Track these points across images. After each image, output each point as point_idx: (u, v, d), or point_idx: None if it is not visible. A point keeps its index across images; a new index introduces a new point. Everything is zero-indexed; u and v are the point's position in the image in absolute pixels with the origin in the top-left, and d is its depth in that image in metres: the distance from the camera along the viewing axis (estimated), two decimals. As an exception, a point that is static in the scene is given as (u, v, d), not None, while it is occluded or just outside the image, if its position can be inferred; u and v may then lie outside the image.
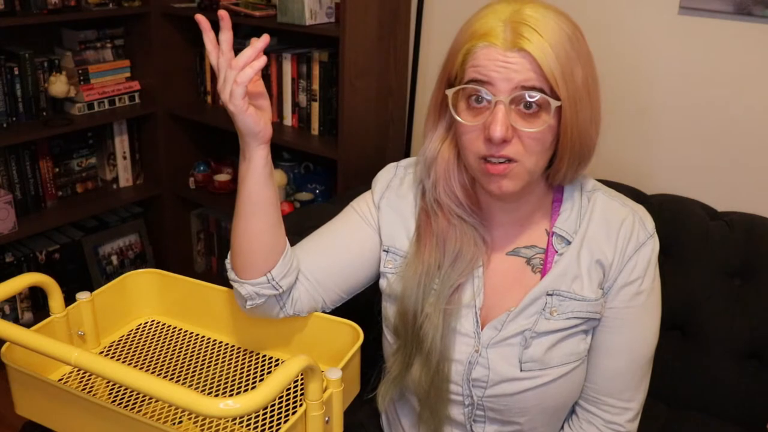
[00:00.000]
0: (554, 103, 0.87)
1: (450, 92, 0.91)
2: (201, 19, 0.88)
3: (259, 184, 0.95)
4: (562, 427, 1.08)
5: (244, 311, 1.03)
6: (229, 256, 1.01)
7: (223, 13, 0.87)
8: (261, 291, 0.99)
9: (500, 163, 0.89)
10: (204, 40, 0.89)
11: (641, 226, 1.00)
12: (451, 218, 0.99)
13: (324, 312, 1.07)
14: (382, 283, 1.07)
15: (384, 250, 1.06)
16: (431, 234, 1.00)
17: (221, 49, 0.87)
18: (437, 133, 1.00)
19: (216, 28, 0.89)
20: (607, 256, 0.98)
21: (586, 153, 0.95)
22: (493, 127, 0.86)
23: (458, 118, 0.91)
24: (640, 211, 1.02)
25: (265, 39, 0.87)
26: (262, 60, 0.87)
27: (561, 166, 0.95)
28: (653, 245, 1.00)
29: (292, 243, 1.07)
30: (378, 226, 1.07)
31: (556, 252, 1.00)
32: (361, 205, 1.09)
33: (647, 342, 1.03)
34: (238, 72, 0.86)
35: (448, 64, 0.93)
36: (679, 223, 1.45)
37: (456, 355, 1.00)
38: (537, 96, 0.87)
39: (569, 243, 0.99)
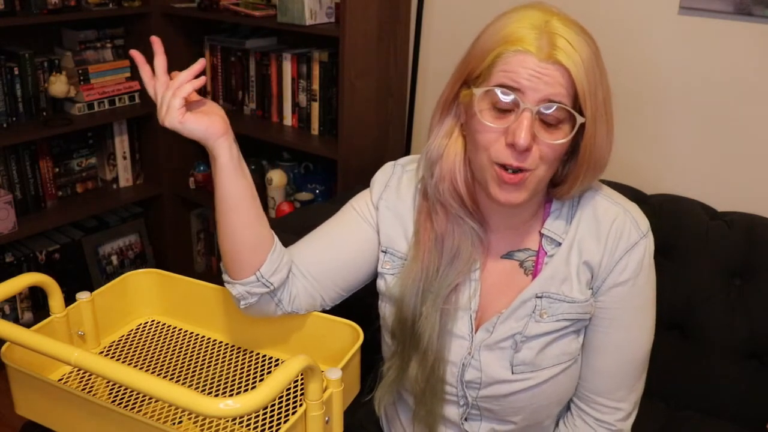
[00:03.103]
0: (579, 119, 0.87)
1: (478, 92, 0.89)
2: (135, 54, 0.93)
3: (229, 179, 0.95)
4: (557, 424, 1.08)
5: (242, 311, 1.03)
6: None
7: (154, 39, 0.94)
8: (252, 290, 0.98)
9: (515, 173, 0.89)
10: (140, 72, 0.93)
11: (633, 225, 0.98)
12: (451, 217, 0.99)
13: (323, 310, 1.07)
14: (380, 283, 1.07)
15: (382, 251, 1.06)
16: (430, 235, 0.99)
17: (156, 74, 0.91)
18: (444, 128, 0.98)
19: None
20: (595, 256, 0.97)
21: (597, 172, 0.95)
22: (518, 134, 0.85)
23: (481, 119, 0.89)
24: (633, 209, 1.00)
25: (201, 62, 0.91)
26: (202, 80, 0.90)
27: (574, 184, 0.94)
28: (646, 245, 0.98)
29: (292, 243, 1.07)
30: (377, 225, 1.06)
31: (546, 254, 0.99)
32: (360, 203, 1.09)
33: (640, 343, 1.02)
34: (177, 88, 0.88)
35: (472, 63, 0.91)
36: (679, 223, 1.45)
37: (451, 356, 1.00)
38: (563, 109, 0.86)
39: (559, 244, 0.99)
